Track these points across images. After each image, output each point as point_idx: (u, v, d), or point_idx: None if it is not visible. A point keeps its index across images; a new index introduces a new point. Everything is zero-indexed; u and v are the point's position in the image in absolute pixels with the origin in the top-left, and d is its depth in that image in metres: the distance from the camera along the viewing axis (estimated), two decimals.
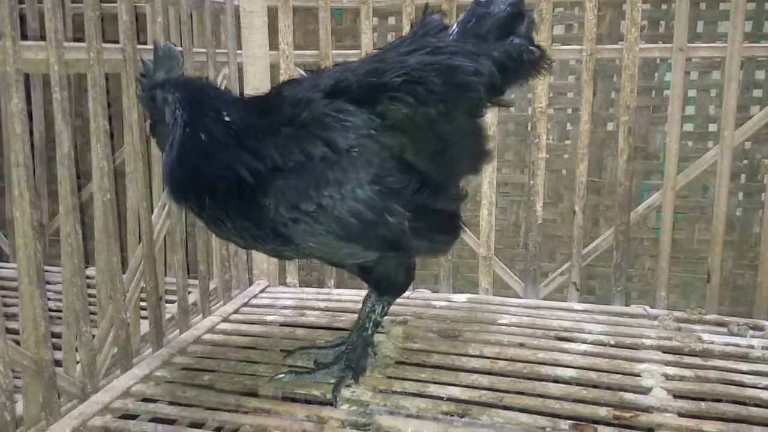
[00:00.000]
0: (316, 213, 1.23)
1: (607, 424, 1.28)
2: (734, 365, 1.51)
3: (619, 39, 2.03)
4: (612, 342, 1.64)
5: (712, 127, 2.23)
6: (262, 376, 1.48)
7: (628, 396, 1.37)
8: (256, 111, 1.34)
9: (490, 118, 1.84)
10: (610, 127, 2.31)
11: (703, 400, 1.36)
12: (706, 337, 1.65)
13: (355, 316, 1.53)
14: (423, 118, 1.30)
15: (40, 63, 1.29)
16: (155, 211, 1.69)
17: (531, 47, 1.42)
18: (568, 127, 2.36)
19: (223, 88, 1.87)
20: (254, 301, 2.00)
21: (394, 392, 1.41)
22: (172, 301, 1.79)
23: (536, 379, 1.45)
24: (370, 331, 1.48)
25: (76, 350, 1.42)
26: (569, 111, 2.34)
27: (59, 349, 1.39)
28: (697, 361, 1.53)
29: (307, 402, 1.39)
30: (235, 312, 1.90)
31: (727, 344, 1.62)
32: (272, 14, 2.01)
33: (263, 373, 1.49)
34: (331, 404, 1.36)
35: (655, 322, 1.77)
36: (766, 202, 1.93)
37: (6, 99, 1.21)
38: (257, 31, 2.02)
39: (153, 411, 1.37)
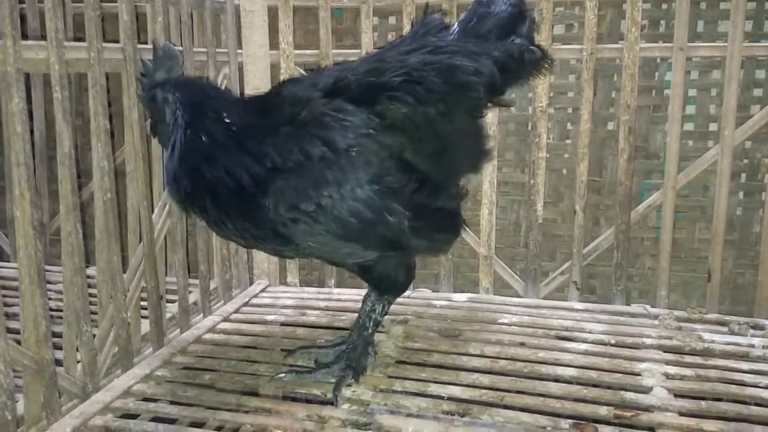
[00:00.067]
0: (315, 213, 1.23)
1: (608, 423, 1.28)
2: (735, 364, 1.51)
3: (620, 38, 2.03)
4: (613, 341, 1.64)
5: (713, 127, 2.23)
6: (262, 376, 1.48)
7: (629, 395, 1.37)
8: (256, 111, 1.34)
9: (491, 117, 1.84)
10: (610, 126, 2.31)
11: (703, 399, 1.36)
12: (706, 336, 1.65)
13: (356, 315, 1.53)
14: (422, 117, 1.30)
15: (41, 62, 1.30)
16: (156, 210, 1.70)
17: (532, 47, 1.41)
18: (569, 126, 2.36)
19: (223, 87, 1.87)
20: (255, 301, 2.00)
21: (394, 391, 1.41)
22: (173, 301, 1.79)
23: (537, 379, 1.45)
24: (370, 331, 1.48)
25: (77, 350, 1.42)
26: (570, 110, 2.35)
27: (60, 348, 1.40)
28: (698, 360, 1.53)
29: (308, 401, 1.39)
30: (236, 311, 1.90)
31: (728, 343, 1.62)
32: (273, 14, 2.01)
33: (264, 372, 1.49)
34: (331, 403, 1.36)
35: (656, 322, 1.77)
36: (766, 201, 1.93)
37: (7, 98, 1.21)
38: (258, 31, 2.02)
39: (154, 410, 1.37)
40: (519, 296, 2.00)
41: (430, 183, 1.32)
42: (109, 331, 1.52)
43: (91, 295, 1.46)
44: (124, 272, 1.57)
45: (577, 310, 1.87)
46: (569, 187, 2.33)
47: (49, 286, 1.36)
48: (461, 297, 1.98)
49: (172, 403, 1.39)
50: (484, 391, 1.40)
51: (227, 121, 1.29)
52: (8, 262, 2.42)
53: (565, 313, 1.84)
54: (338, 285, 2.12)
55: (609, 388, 1.42)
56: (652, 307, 1.89)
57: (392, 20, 2.43)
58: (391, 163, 1.27)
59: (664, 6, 2.22)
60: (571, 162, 2.30)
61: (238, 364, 1.54)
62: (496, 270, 2.02)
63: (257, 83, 2.02)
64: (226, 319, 1.83)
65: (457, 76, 1.32)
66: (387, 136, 1.27)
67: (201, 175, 1.26)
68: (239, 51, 2.02)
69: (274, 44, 2.02)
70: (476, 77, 1.33)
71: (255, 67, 2.04)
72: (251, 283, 2.14)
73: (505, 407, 1.34)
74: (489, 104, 1.43)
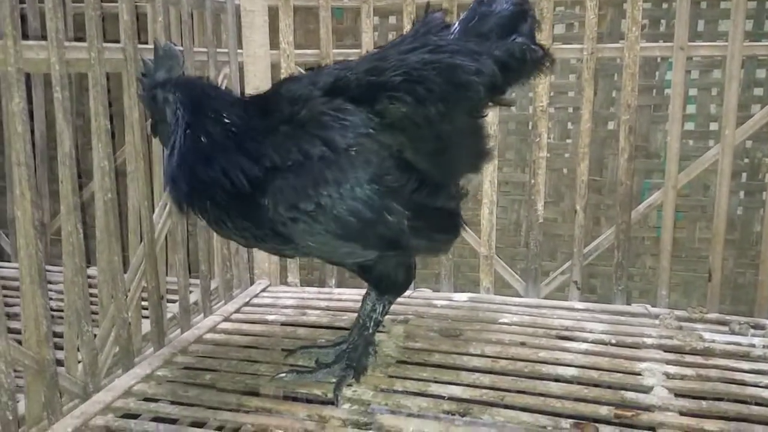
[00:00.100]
0: (315, 212, 1.23)
1: (609, 423, 1.28)
2: (735, 364, 1.51)
3: (620, 38, 2.03)
4: (613, 341, 1.64)
5: (713, 126, 2.23)
6: (263, 376, 1.48)
7: (630, 395, 1.37)
8: (256, 110, 1.34)
9: (491, 116, 1.84)
10: (611, 126, 2.31)
11: (704, 398, 1.36)
12: (707, 335, 1.65)
13: (357, 315, 1.53)
14: (422, 117, 1.30)
15: (42, 62, 1.30)
16: (156, 210, 1.70)
17: (533, 46, 1.40)
18: (569, 126, 2.36)
19: (223, 87, 1.87)
20: (255, 301, 2.00)
21: (395, 391, 1.41)
22: (174, 301, 1.80)
23: (537, 378, 1.45)
24: (371, 331, 1.48)
25: (78, 350, 1.42)
26: (570, 110, 2.35)
27: (61, 348, 1.40)
28: (699, 359, 1.53)
29: (309, 401, 1.40)
30: (237, 311, 1.90)
31: (729, 343, 1.62)
32: (273, 13, 2.01)
33: (264, 372, 1.49)
34: (332, 403, 1.36)
35: (657, 321, 1.77)
36: (767, 200, 1.93)
37: (7, 98, 1.21)
38: (258, 31, 2.02)
39: (154, 410, 1.37)
40: (519, 296, 2.00)
41: (430, 182, 1.32)
42: (110, 331, 1.52)
43: (92, 295, 1.46)
44: (125, 272, 1.57)
45: (578, 310, 1.87)
46: (570, 187, 2.33)
47: (50, 286, 1.36)
48: (462, 297, 1.98)
49: (172, 403, 1.39)
50: (484, 390, 1.40)
51: (227, 121, 1.29)
52: (9, 262, 2.43)
53: (565, 313, 1.84)
54: (339, 285, 2.12)
55: (609, 387, 1.42)
56: (652, 306, 1.89)
57: (393, 20, 2.43)
58: (390, 162, 1.27)
59: (665, 5, 2.22)
60: (571, 161, 2.30)
61: (239, 364, 1.54)
62: (496, 270, 2.02)
63: (258, 83, 2.02)
64: (226, 319, 1.84)
65: (457, 76, 1.31)
66: (387, 135, 1.27)
67: (199, 177, 1.26)
68: (240, 51, 2.02)
69: (274, 44, 2.02)
70: (477, 77, 1.32)
71: (255, 66, 2.04)
72: (252, 282, 2.14)
73: (506, 407, 1.34)
74: (490, 103, 1.43)
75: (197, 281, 1.86)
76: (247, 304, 1.96)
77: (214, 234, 1.86)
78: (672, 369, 1.48)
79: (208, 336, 1.72)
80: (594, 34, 1.85)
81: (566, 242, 2.35)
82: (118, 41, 1.51)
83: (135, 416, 1.38)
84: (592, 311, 1.86)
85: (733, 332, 1.69)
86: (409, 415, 1.34)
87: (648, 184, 2.30)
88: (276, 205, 1.22)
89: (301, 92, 1.32)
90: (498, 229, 2.02)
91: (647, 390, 1.39)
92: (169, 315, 1.78)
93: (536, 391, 1.40)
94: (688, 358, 1.54)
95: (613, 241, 1.94)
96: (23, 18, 2.07)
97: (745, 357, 1.55)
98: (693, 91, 2.23)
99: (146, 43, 1.61)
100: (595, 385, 1.43)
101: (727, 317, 1.79)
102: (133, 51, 1.52)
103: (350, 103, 1.28)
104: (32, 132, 1.29)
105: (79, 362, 1.43)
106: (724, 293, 2.01)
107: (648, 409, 1.32)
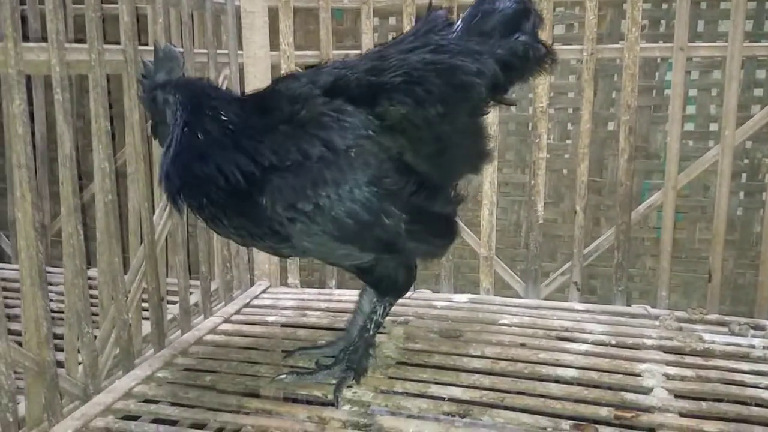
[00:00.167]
0: (312, 213, 1.23)
1: (609, 424, 1.28)
2: (735, 365, 1.51)
3: (620, 38, 2.03)
4: (613, 342, 1.64)
5: (713, 127, 2.23)
6: (263, 377, 1.48)
7: (630, 396, 1.38)
8: (255, 109, 1.34)
9: (491, 117, 1.84)
10: (611, 126, 2.31)
11: (704, 400, 1.36)
12: (707, 336, 1.65)
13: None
14: (422, 118, 1.29)
15: (42, 64, 1.30)
16: (157, 211, 1.70)
17: (537, 44, 1.39)
18: (569, 126, 2.36)
19: (224, 88, 1.87)
20: (256, 302, 2.00)
21: (395, 393, 1.41)
22: (174, 302, 1.80)
23: (537, 380, 1.46)
24: (371, 332, 1.47)
25: (78, 351, 1.42)
26: (570, 110, 2.35)
27: (61, 350, 1.40)
28: (699, 360, 1.53)
29: (309, 403, 1.40)
30: (237, 313, 1.90)
31: (729, 344, 1.62)
32: (273, 15, 2.01)
33: (265, 373, 1.49)
34: (332, 405, 1.36)
35: (657, 322, 1.77)
36: (767, 201, 1.93)
37: (8, 100, 1.22)
38: (258, 32, 2.02)
39: (155, 412, 1.38)
40: (519, 297, 2.00)
41: (429, 185, 1.32)
42: (111, 333, 1.52)
43: (92, 296, 1.46)
44: (126, 273, 1.57)
45: (578, 311, 1.87)
46: (570, 188, 2.33)
47: (50, 287, 1.36)
48: (462, 298, 1.98)
49: (173, 404, 1.39)
50: (484, 392, 1.40)
51: (224, 119, 1.29)
52: (9, 263, 2.43)
53: (565, 314, 1.84)
54: (339, 286, 2.12)
55: (609, 388, 1.42)
56: (652, 307, 1.89)
57: (392, 21, 2.43)
58: (389, 165, 1.27)
59: (665, 6, 2.22)
60: (571, 162, 2.30)
61: (239, 365, 1.54)
62: (496, 271, 2.02)
63: (258, 84, 2.02)
64: (227, 321, 1.84)
65: (457, 77, 1.31)
66: (386, 137, 1.27)
67: (193, 172, 1.26)
68: (240, 52, 2.02)
69: (274, 45, 2.03)
70: (478, 77, 1.32)
71: (255, 68, 2.04)
72: (252, 284, 2.14)
73: (506, 408, 1.34)
74: (492, 103, 1.42)
75: (197, 282, 1.86)
76: (247, 305, 1.96)
77: (215, 235, 1.86)
78: (672, 370, 1.48)
79: (209, 337, 1.72)
80: (594, 34, 1.85)
81: (566, 243, 2.35)
82: (118, 43, 1.52)
83: (135, 418, 1.38)
84: (592, 312, 1.86)
85: (733, 333, 1.69)
86: (409, 416, 1.34)
87: (648, 185, 2.30)
88: (274, 204, 1.22)
89: (300, 91, 1.32)
90: (498, 230, 2.03)
91: (647, 391, 1.39)
92: (169, 316, 1.78)
93: (536, 392, 1.40)
94: (688, 359, 1.54)
95: (613, 242, 1.94)
96: (23, 19, 2.08)
97: (745, 358, 1.56)
98: (693, 92, 2.23)
99: (146, 44, 1.61)
100: (595, 387, 1.43)
101: (727, 318, 1.79)
102: (133, 52, 1.52)
103: (350, 103, 1.28)
104: (33, 134, 1.30)
105: (80, 364, 1.43)
106: (724, 294, 2.01)
107: (648, 410, 1.32)
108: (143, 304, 1.64)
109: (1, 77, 1.22)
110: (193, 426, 1.33)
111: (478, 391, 1.40)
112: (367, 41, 1.96)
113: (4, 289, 2.01)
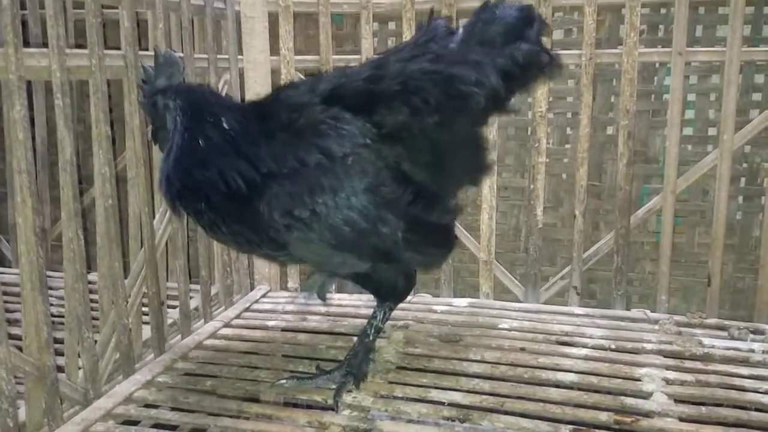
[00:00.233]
0: (309, 220, 1.22)
1: (608, 428, 1.28)
2: (735, 369, 1.51)
3: (619, 43, 2.04)
4: (613, 346, 1.64)
5: (712, 131, 2.23)
6: (263, 382, 1.48)
7: (629, 400, 1.38)
8: (255, 116, 1.34)
9: (490, 121, 1.84)
10: (609, 131, 2.32)
11: (703, 404, 1.37)
12: (706, 341, 1.66)
13: (356, 320, 1.53)
14: (418, 128, 1.29)
15: (43, 70, 1.30)
16: (157, 216, 1.70)
17: (540, 53, 1.37)
18: (568, 131, 2.37)
19: (224, 93, 1.88)
20: (256, 306, 2.00)
21: (395, 397, 1.41)
22: (174, 306, 1.80)
23: (537, 384, 1.46)
24: (371, 337, 1.48)
25: (79, 356, 1.42)
26: (569, 115, 2.35)
27: (62, 354, 1.40)
28: (698, 365, 1.53)
29: (309, 407, 1.40)
30: (237, 317, 1.90)
31: (728, 348, 1.62)
32: (273, 20, 2.02)
33: (265, 378, 1.49)
34: (332, 409, 1.36)
35: (656, 326, 1.77)
36: (765, 205, 1.93)
37: (8, 106, 1.22)
38: (258, 37, 2.02)
39: (155, 417, 1.38)
40: (519, 301, 2.00)
41: (426, 195, 1.32)
42: (111, 337, 1.52)
43: (92, 301, 1.46)
44: (126, 278, 1.57)
45: (577, 315, 1.87)
46: (569, 192, 2.34)
47: (50, 292, 1.36)
48: (462, 302, 1.98)
49: (173, 409, 1.39)
50: (484, 396, 1.40)
51: (225, 126, 1.29)
52: (10, 267, 2.43)
53: (565, 318, 1.84)
54: (339, 290, 2.12)
55: (609, 393, 1.42)
56: (652, 311, 1.89)
57: (392, 26, 2.44)
58: (387, 173, 1.27)
59: (663, 11, 2.23)
60: (570, 167, 2.31)
61: (239, 370, 1.54)
62: (496, 275, 2.02)
63: (258, 89, 2.03)
64: (227, 325, 1.84)
65: (455, 87, 1.31)
66: (383, 145, 1.27)
67: (194, 177, 1.26)
68: (240, 57, 2.02)
69: (274, 50, 2.03)
70: (476, 87, 1.31)
71: (256, 72, 2.04)
72: (252, 288, 2.14)
73: (506, 413, 1.34)
74: (493, 112, 1.41)
75: (198, 287, 1.86)
76: (247, 309, 1.96)
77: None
78: (671, 374, 1.48)
79: (209, 342, 1.73)
80: (592, 39, 1.86)
81: (565, 247, 2.35)
82: (118, 48, 1.52)
83: (135, 423, 1.38)
84: (592, 316, 1.86)
85: (732, 337, 1.70)
86: (409, 421, 1.34)
87: (647, 189, 2.30)
88: (271, 210, 1.22)
89: (299, 100, 1.32)
90: (497, 234, 2.03)
91: (647, 396, 1.40)
92: (169, 321, 1.78)
93: (536, 396, 1.40)
94: (688, 364, 1.54)
95: (613, 246, 1.94)
96: (24, 24, 2.08)
97: (745, 362, 1.56)
98: (691, 96, 2.24)
99: (147, 49, 1.61)
100: (595, 391, 1.43)
101: (727, 322, 1.79)
102: (133, 58, 1.52)
103: (348, 111, 1.28)
104: (33, 138, 1.30)
105: (80, 368, 1.43)
106: (723, 298, 2.01)
107: (647, 414, 1.32)
108: (143, 309, 1.64)
109: (2, 83, 1.22)
110: (194, 431, 1.34)
111: (478, 395, 1.41)
112: (367, 46, 1.97)
113: (5, 293, 2.01)
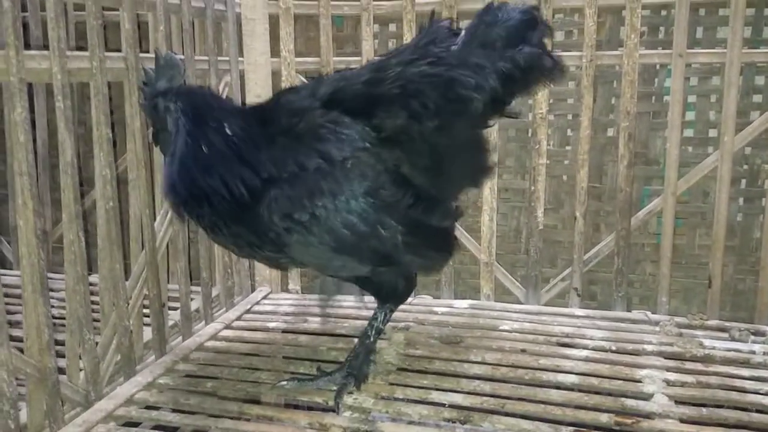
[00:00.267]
0: (309, 223, 1.23)
1: (609, 430, 1.29)
2: (736, 371, 1.51)
3: (619, 45, 2.04)
4: (613, 348, 1.64)
5: (713, 133, 2.23)
6: (264, 383, 1.48)
7: (630, 402, 1.38)
8: (256, 120, 1.34)
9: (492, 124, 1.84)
10: (610, 132, 2.32)
11: (704, 406, 1.37)
12: (707, 342, 1.66)
13: (357, 322, 1.53)
14: (418, 131, 1.29)
15: (44, 72, 1.30)
16: (158, 218, 1.70)
17: (542, 56, 1.36)
18: (569, 133, 2.36)
19: (224, 95, 1.88)
20: (257, 308, 2.00)
21: (396, 399, 1.41)
22: (175, 308, 1.80)
23: (538, 386, 1.46)
24: (372, 339, 1.48)
25: (80, 358, 1.42)
26: (570, 117, 2.35)
27: (63, 356, 1.40)
28: (699, 366, 1.54)
29: (310, 409, 1.40)
30: (238, 319, 1.90)
31: (729, 350, 1.62)
32: (274, 22, 2.02)
33: (266, 380, 1.49)
34: (333, 411, 1.37)
35: (657, 328, 1.77)
36: (766, 207, 1.93)
37: (10, 108, 1.22)
38: (259, 39, 2.03)
39: (156, 418, 1.38)
40: (520, 303, 2.00)
41: (426, 198, 1.32)
42: (112, 339, 1.53)
43: (93, 302, 1.46)
44: (127, 280, 1.57)
45: (578, 317, 1.87)
46: (570, 194, 2.34)
47: (51, 294, 1.37)
48: (462, 304, 1.98)
49: (174, 410, 1.40)
50: (485, 398, 1.40)
51: (227, 131, 1.29)
52: (11, 269, 2.43)
53: (565, 320, 1.84)
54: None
55: (610, 395, 1.42)
56: (652, 313, 1.89)
57: (393, 28, 2.44)
58: (386, 176, 1.27)
59: (664, 12, 2.23)
60: (571, 168, 2.31)
61: (240, 371, 1.54)
62: (497, 276, 2.02)
63: (258, 91, 2.03)
64: (228, 327, 1.84)
65: (454, 90, 1.30)
66: (383, 149, 1.27)
67: (198, 185, 1.27)
68: (240, 59, 2.03)
69: (275, 52, 2.03)
70: (475, 91, 1.31)
71: (256, 74, 2.04)
72: (253, 290, 2.14)
73: (507, 414, 1.34)
74: (494, 116, 1.41)
75: (198, 289, 1.87)
76: (248, 311, 1.97)
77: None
78: (672, 376, 1.48)
79: (210, 343, 1.73)
80: (593, 41, 1.86)
81: (566, 249, 2.35)
82: (119, 50, 1.52)
83: (137, 424, 1.39)
84: (593, 318, 1.86)
85: (733, 339, 1.70)
86: (410, 422, 1.34)
87: (647, 191, 2.30)
88: (271, 214, 1.23)
89: (299, 104, 1.32)
90: (498, 235, 2.03)
91: (647, 397, 1.40)
92: (170, 322, 1.78)
93: (537, 398, 1.40)
94: (689, 365, 1.54)
95: (613, 248, 1.94)
96: (25, 26, 2.09)
97: (746, 364, 1.56)
98: (692, 98, 2.24)
99: (147, 51, 1.62)
100: (596, 393, 1.43)
101: (727, 324, 1.79)
102: (134, 60, 1.53)
103: (348, 115, 1.28)
104: (34, 141, 1.30)
105: (81, 370, 1.43)
106: (724, 300, 2.01)
107: (648, 416, 1.32)
108: (144, 311, 1.64)
109: (3, 85, 1.22)
110: None
111: (479, 397, 1.41)
112: (367, 48, 1.97)
113: (6, 295, 2.01)
